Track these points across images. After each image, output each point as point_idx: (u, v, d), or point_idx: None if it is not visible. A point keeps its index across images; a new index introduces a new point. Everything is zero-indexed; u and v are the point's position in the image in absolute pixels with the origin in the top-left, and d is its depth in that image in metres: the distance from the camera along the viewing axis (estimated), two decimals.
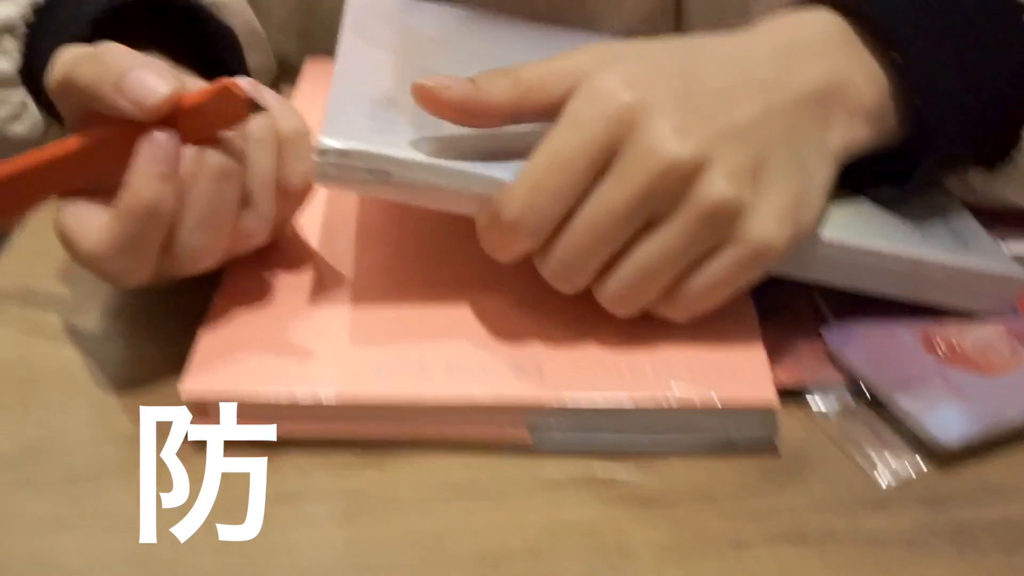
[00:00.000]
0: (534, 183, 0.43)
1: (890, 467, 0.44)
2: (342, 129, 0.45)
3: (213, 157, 0.44)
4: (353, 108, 0.47)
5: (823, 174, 0.46)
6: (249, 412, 0.44)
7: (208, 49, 0.56)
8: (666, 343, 0.47)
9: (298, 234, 0.53)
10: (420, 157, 0.44)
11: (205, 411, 0.44)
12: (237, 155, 0.45)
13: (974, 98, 0.48)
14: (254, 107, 0.44)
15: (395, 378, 0.45)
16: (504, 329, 0.47)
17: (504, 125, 0.46)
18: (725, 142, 0.43)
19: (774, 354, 0.47)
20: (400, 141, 0.45)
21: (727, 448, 0.45)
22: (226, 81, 0.44)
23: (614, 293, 0.45)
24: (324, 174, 0.44)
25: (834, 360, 0.48)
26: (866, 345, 0.48)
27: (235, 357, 0.46)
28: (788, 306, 0.51)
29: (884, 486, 0.44)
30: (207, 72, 0.52)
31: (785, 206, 0.44)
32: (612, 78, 0.43)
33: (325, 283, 0.50)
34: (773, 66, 0.46)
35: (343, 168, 0.44)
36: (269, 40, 0.67)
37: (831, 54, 0.47)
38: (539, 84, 0.45)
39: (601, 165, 0.43)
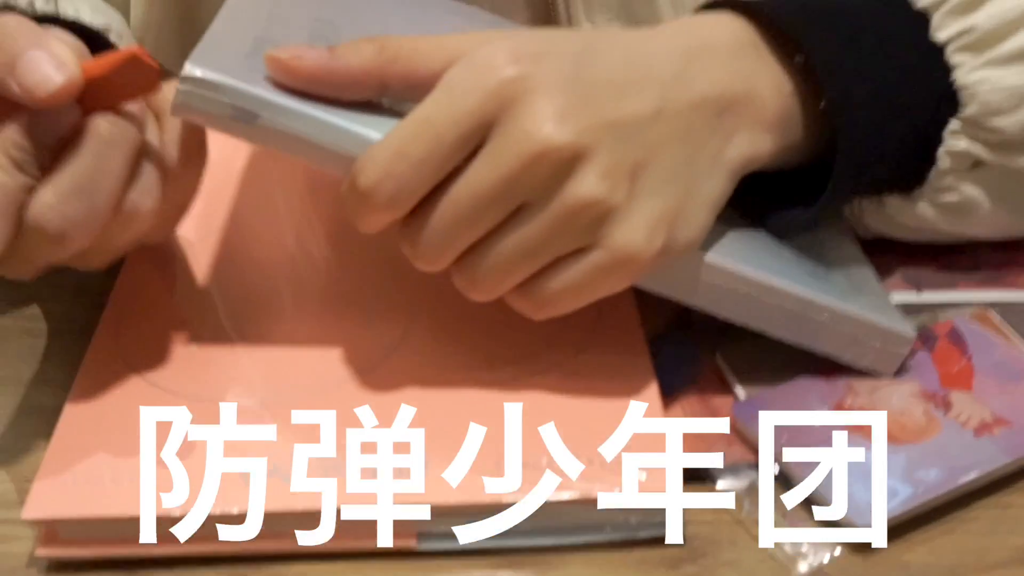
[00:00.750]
0: (397, 149, 0.39)
1: (802, 553, 0.41)
2: (213, 60, 0.41)
3: (102, 124, 0.40)
4: (231, 44, 0.43)
5: (713, 187, 0.43)
6: (100, 530, 0.40)
7: None
8: (561, 428, 0.43)
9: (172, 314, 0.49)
10: (290, 102, 0.41)
11: (54, 534, 0.40)
12: (130, 128, 0.41)
13: (882, 109, 0.46)
14: (165, 76, 0.41)
15: (268, 487, 0.41)
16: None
17: (369, 97, 0.42)
18: (607, 135, 0.40)
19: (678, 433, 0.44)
20: (274, 85, 0.41)
21: (629, 540, 0.42)
22: (134, 48, 0.40)
23: (469, 278, 0.42)
24: (185, 104, 0.40)
25: (743, 437, 0.45)
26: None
27: (85, 468, 0.41)
28: (692, 378, 0.48)
29: (797, 574, 0.41)
30: None
31: (660, 215, 0.41)
32: (497, 50, 0.40)
33: (195, 366, 0.46)
34: (674, 66, 0.43)
35: (206, 101, 0.40)
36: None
37: (736, 60, 0.45)
38: (410, 54, 0.41)
39: (474, 142, 0.40)
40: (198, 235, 0.53)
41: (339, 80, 0.41)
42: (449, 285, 0.43)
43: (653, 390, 0.45)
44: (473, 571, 0.41)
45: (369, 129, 0.41)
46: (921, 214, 0.51)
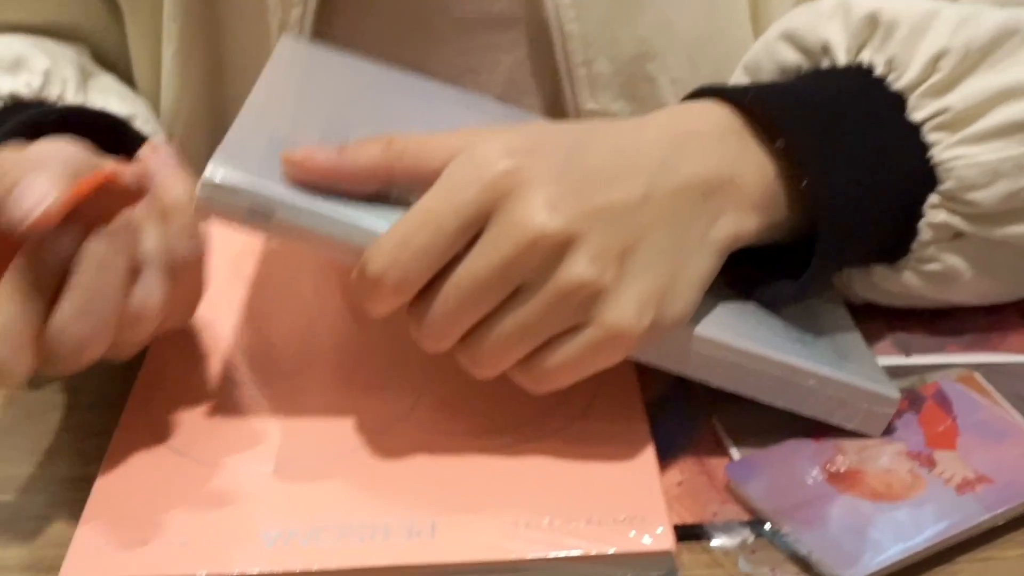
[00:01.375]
0: (401, 239, 0.43)
1: None
2: (231, 163, 0.44)
3: (94, 246, 0.43)
4: (249, 145, 0.47)
5: (701, 265, 0.46)
6: None
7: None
8: (562, 490, 0.46)
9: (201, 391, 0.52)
10: (301, 200, 0.44)
11: None
12: (121, 242, 0.44)
13: (862, 187, 0.49)
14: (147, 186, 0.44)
15: (284, 548, 0.44)
16: (397, 489, 0.46)
17: (378, 191, 0.45)
18: (597, 222, 0.43)
19: (674, 491, 0.47)
20: (289, 184, 0.45)
21: None
22: (107, 171, 0.44)
23: (472, 356, 0.45)
24: (205, 207, 0.44)
25: (736, 495, 0.48)
26: (768, 478, 0.47)
27: (117, 534, 0.44)
28: (689, 439, 0.51)
29: None
30: None
31: (649, 294, 0.44)
32: (493, 145, 0.44)
33: (221, 436, 0.49)
34: (661, 153, 0.46)
35: (224, 204, 0.44)
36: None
37: (721, 147, 0.48)
38: (415, 151, 0.45)
39: (473, 231, 0.43)
40: (219, 313, 0.56)
41: (348, 177, 0.45)
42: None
43: (649, 453, 0.48)
44: None
45: (377, 221, 0.44)
46: (906, 282, 0.53)
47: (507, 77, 0.63)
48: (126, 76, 0.69)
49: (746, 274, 0.52)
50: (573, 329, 0.44)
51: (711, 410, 0.52)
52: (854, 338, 0.53)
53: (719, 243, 0.47)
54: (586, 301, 0.43)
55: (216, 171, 0.44)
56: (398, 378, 0.52)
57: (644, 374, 0.53)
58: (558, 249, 0.43)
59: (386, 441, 0.49)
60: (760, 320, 0.50)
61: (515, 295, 0.44)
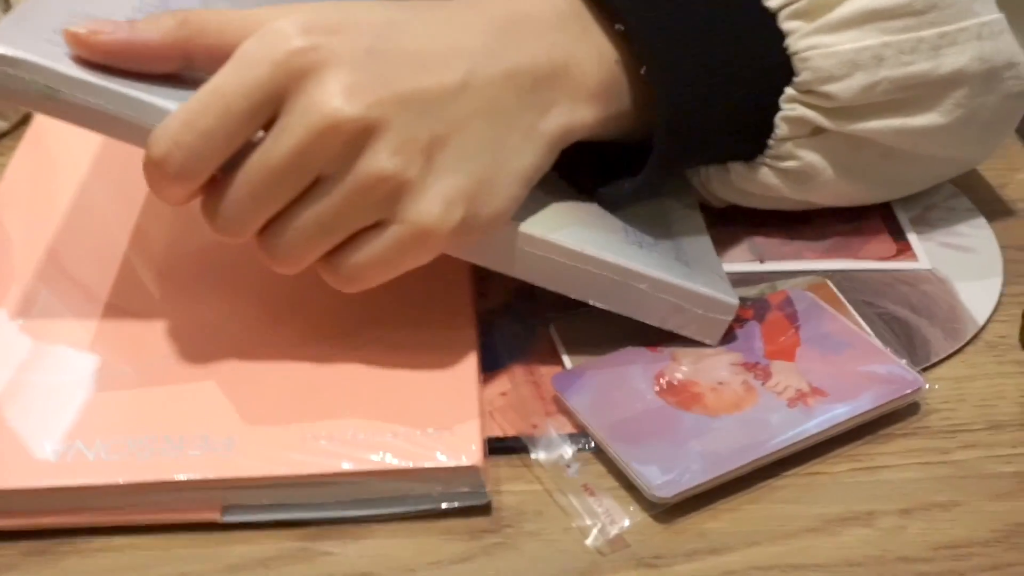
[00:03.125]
0: (186, 121, 0.39)
1: (605, 524, 0.41)
2: (17, 36, 0.41)
3: None
4: (41, 18, 0.43)
5: (525, 161, 0.43)
6: None
7: None
8: (372, 402, 0.43)
9: None
10: (90, 76, 0.41)
11: None
12: None
13: (710, 76, 0.46)
14: None
15: (69, 462, 0.41)
16: (199, 401, 0.44)
17: (174, 70, 0.42)
18: (403, 110, 0.40)
19: (498, 401, 0.45)
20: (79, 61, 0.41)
21: (436, 512, 0.42)
22: None
23: (270, 250, 0.42)
24: None
25: (561, 407, 0.46)
26: (595, 390, 0.45)
27: None
28: (525, 349, 0.48)
29: (598, 546, 0.41)
30: None
31: (458, 189, 0.41)
32: (290, 22, 0.40)
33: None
34: (485, 38, 0.43)
35: (10, 78, 0.40)
36: None
37: (556, 32, 0.45)
38: (215, 28, 0.41)
39: (265, 114, 0.40)
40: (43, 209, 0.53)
41: (139, 54, 0.41)
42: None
43: (471, 363, 0.45)
44: (278, 543, 0.41)
45: (167, 101, 0.41)
46: (763, 181, 0.51)
47: None
48: None
49: (590, 177, 0.49)
50: (378, 225, 0.41)
51: (551, 319, 0.50)
52: (702, 242, 0.50)
53: (549, 136, 0.44)
54: (389, 196, 0.40)
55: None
56: (218, 282, 0.49)
57: (486, 281, 0.51)
58: (358, 138, 0.39)
59: (198, 350, 0.46)
60: (596, 221, 0.47)
61: (315, 186, 0.40)
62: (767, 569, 0.40)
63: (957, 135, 0.51)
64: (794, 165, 0.50)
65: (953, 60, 0.48)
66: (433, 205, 0.41)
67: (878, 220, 0.55)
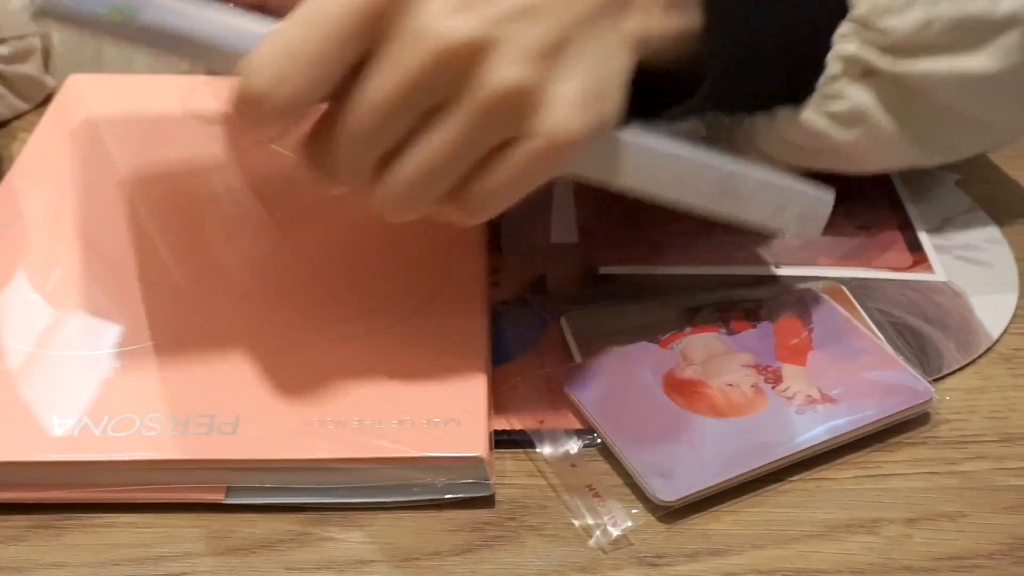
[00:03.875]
0: (285, 49, 0.35)
1: (608, 525, 0.41)
2: None
3: None
4: None
5: (620, 61, 0.41)
6: None
7: None
8: (380, 388, 0.43)
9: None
10: None
11: None
12: None
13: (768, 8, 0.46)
14: None
15: (75, 437, 0.41)
16: (208, 382, 0.44)
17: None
18: (514, 21, 0.37)
19: (507, 394, 0.45)
20: None
21: (439, 502, 0.42)
22: None
23: (389, 195, 0.38)
24: (49, 8, 0.36)
25: (569, 402, 0.46)
26: (603, 386, 0.45)
27: None
28: (536, 342, 0.48)
29: (600, 545, 0.41)
30: None
31: (584, 92, 0.38)
32: None
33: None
34: None
35: (74, 4, 0.36)
36: None
37: None
38: None
39: (367, 39, 0.37)
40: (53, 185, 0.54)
41: None
42: (290, 248, 0.42)
43: (481, 353, 0.45)
44: (280, 526, 0.41)
45: (261, 23, 0.37)
46: (811, 126, 0.49)
47: None
48: None
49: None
50: (504, 145, 0.38)
51: (563, 312, 0.49)
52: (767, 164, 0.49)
53: (630, 36, 0.42)
54: (516, 110, 0.37)
55: None
56: (232, 265, 0.49)
57: (500, 272, 0.51)
58: (473, 58, 0.37)
59: (209, 331, 0.46)
60: (683, 139, 0.46)
61: (431, 116, 0.37)
62: (769, 573, 0.40)
63: (1006, 92, 0.50)
64: (843, 107, 0.49)
65: (1011, 2, 0.48)
66: (565, 111, 0.38)
67: (894, 230, 0.55)
